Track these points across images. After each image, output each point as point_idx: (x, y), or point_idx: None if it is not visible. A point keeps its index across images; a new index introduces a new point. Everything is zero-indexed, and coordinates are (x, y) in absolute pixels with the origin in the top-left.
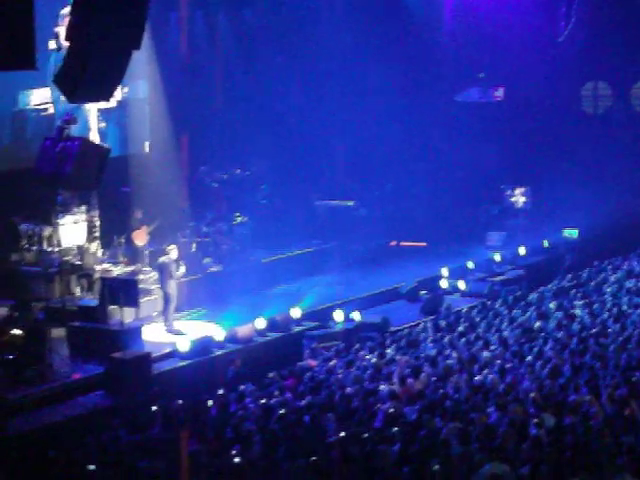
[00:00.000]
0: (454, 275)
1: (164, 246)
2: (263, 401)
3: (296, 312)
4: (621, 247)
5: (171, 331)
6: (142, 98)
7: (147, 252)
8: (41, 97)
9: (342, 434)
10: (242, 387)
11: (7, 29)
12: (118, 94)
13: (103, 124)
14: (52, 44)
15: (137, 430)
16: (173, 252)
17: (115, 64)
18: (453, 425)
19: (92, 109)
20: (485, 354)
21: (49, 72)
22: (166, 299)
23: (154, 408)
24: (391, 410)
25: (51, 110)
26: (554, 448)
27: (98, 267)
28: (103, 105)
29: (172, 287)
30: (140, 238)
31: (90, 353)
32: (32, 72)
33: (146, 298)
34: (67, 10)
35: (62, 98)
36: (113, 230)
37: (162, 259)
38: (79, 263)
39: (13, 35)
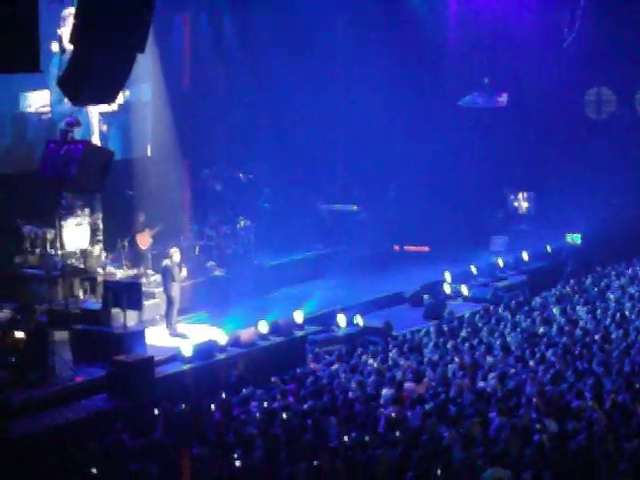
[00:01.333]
0: (457, 280)
1: (167, 249)
2: (265, 405)
3: (299, 316)
4: (624, 253)
5: (174, 334)
6: (145, 101)
7: (150, 255)
8: (42, 99)
9: (345, 438)
10: (246, 391)
11: (11, 31)
12: (120, 97)
13: (105, 127)
14: (55, 46)
15: (140, 434)
16: (175, 255)
17: (119, 67)
18: (455, 430)
19: (94, 112)
20: (488, 359)
21: (50, 75)
22: (169, 302)
23: (156, 412)
24: (393, 415)
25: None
26: (557, 454)
27: (101, 270)
28: (105, 108)
29: (175, 290)
30: (143, 241)
31: (93, 356)
32: (33, 74)
33: (149, 301)
34: (69, 11)
35: (65, 101)
36: (116, 233)
37: (165, 262)
38: (82, 266)
39: (17, 37)
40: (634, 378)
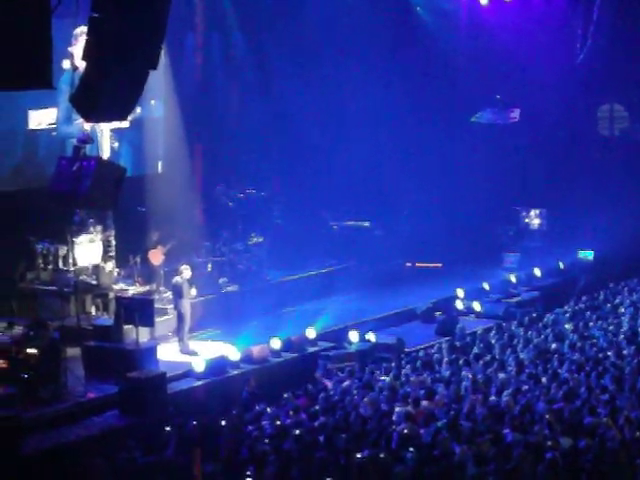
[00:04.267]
0: (469, 296)
1: (178, 266)
2: (278, 422)
3: (311, 333)
4: (637, 269)
5: (186, 351)
6: (156, 118)
7: (162, 272)
8: (51, 117)
9: (358, 455)
10: (258, 407)
11: (24, 48)
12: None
13: (116, 144)
14: (66, 63)
15: (152, 451)
16: (186, 272)
17: (132, 84)
18: (468, 447)
19: (105, 129)
20: (500, 376)
21: (59, 92)
22: (180, 319)
23: (168, 429)
24: (406, 431)
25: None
26: (570, 471)
27: (114, 286)
28: (116, 125)
29: (185, 307)
30: (156, 258)
31: (105, 373)
32: (43, 91)
33: (161, 318)
34: (81, 30)
35: (74, 118)
36: (129, 250)
37: (175, 279)
38: (95, 282)
39: (30, 54)
40: None
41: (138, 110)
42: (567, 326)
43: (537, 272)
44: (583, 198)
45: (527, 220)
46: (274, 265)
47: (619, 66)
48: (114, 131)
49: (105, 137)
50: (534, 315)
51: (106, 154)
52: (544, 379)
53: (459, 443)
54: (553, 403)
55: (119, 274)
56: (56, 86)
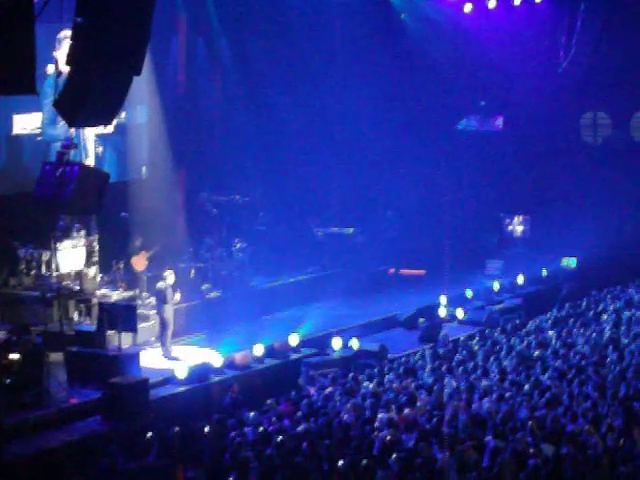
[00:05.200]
0: (453, 303)
1: (162, 271)
2: (260, 428)
3: (294, 339)
4: (620, 276)
5: (169, 357)
6: (140, 123)
7: (146, 277)
8: (35, 121)
9: (340, 462)
10: (241, 413)
11: (8, 53)
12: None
13: (100, 149)
14: (50, 68)
15: (134, 457)
16: (170, 277)
17: (116, 89)
18: (450, 454)
19: (89, 134)
20: (483, 383)
21: (44, 95)
22: (162, 324)
23: (150, 434)
24: (388, 438)
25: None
26: (552, 478)
27: (97, 292)
28: (100, 130)
29: (168, 312)
30: (139, 263)
31: (88, 378)
32: (27, 96)
33: (144, 324)
34: (64, 34)
35: (59, 123)
36: (112, 255)
37: (159, 284)
38: (77, 288)
39: (13, 59)
40: (629, 402)
41: (122, 115)
42: (550, 333)
43: (520, 279)
44: (566, 205)
45: (510, 227)
46: (257, 271)
47: (602, 74)
48: (98, 136)
49: (89, 142)
50: (517, 322)
51: (90, 159)
52: (527, 386)
53: (441, 450)
54: (535, 410)
55: (102, 280)
56: (41, 90)
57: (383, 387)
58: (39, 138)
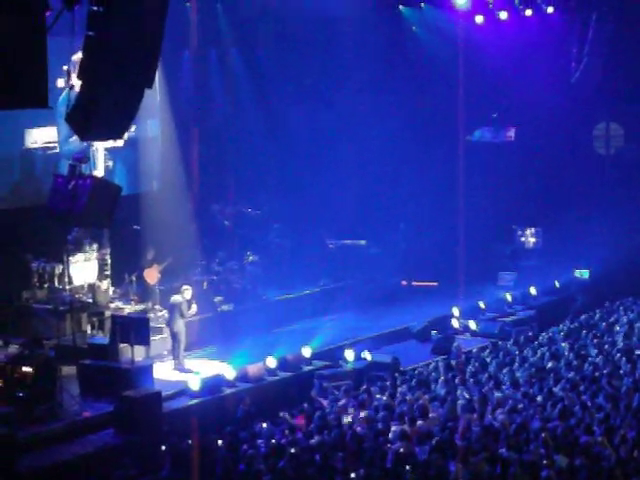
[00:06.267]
0: (465, 315)
1: (178, 285)
2: (273, 441)
3: (307, 351)
4: (632, 288)
5: (182, 370)
6: (152, 136)
7: (158, 290)
8: (48, 135)
9: (353, 475)
10: (254, 426)
11: (19, 66)
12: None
13: (110, 163)
14: (61, 82)
15: (147, 469)
16: (187, 292)
17: (128, 103)
18: (463, 465)
19: (100, 148)
20: (496, 394)
21: (59, 112)
22: (174, 338)
23: (163, 448)
24: (401, 450)
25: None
26: None
27: (109, 305)
28: (110, 144)
29: (180, 326)
30: (151, 276)
31: (100, 391)
32: (39, 110)
33: (157, 336)
34: (78, 57)
35: (73, 138)
36: (124, 268)
37: (175, 298)
38: (90, 301)
39: (25, 73)
40: None
41: (132, 129)
42: (563, 344)
43: (533, 291)
44: (579, 217)
45: (523, 239)
46: (270, 284)
47: (615, 84)
48: (108, 150)
49: (99, 156)
50: (530, 334)
51: (100, 173)
52: (539, 398)
53: (454, 462)
54: (548, 422)
55: (115, 293)
56: (54, 104)
57: (396, 399)
58: (51, 152)
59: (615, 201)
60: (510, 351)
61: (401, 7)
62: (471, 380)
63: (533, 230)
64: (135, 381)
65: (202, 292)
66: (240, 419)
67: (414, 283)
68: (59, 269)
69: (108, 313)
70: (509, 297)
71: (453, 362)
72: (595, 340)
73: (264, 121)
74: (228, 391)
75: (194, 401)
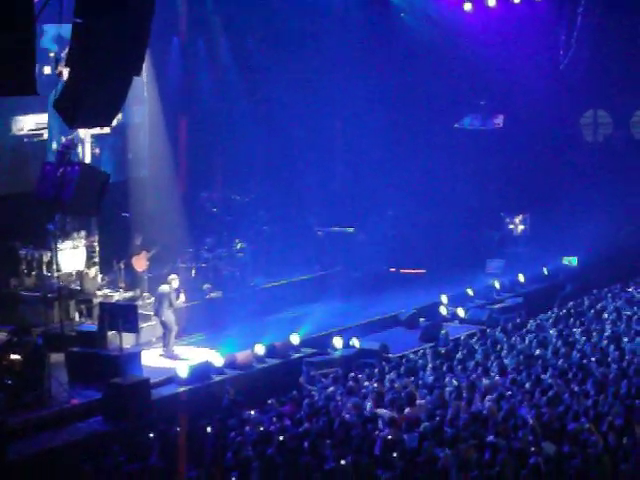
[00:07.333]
0: (453, 302)
1: (166, 272)
2: (262, 428)
3: (295, 339)
4: (620, 275)
5: (170, 357)
6: (139, 123)
7: (147, 278)
8: (36, 122)
9: (342, 461)
10: (242, 413)
11: (8, 54)
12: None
13: (97, 150)
14: (48, 70)
15: (135, 456)
16: (174, 281)
17: (116, 90)
18: (451, 452)
19: (86, 135)
20: (484, 381)
21: (49, 98)
22: (165, 327)
23: (152, 435)
24: (390, 437)
25: (46, 135)
26: (553, 476)
27: (97, 292)
28: (97, 131)
29: (169, 316)
30: (140, 264)
31: (89, 378)
32: (28, 97)
33: (145, 324)
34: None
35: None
36: (112, 255)
37: (162, 287)
38: (78, 288)
39: (14, 60)
40: (630, 400)
41: (120, 116)
42: (551, 332)
43: (521, 278)
44: (567, 204)
45: (511, 226)
46: (258, 271)
47: (603, 72)
48: (95, 137)
49: (86, 143)
50: (518, 321)
51: (87, 160)
52: (527, 385)
53: (443, 449)
54: (536, 409)
55: (103, 280)
56: (42, 91)
57: (384, 386)
58: (39, 139)
59: (603, 188)
60: (498, 338)
61: None
62: (459, 367)
63: (521, 217)
64: (123, 368)
65: (190, 279)
66: (225, 408)
67: (402, 271)
68: (47, 256)
69: (96, 300)
70: (497, 284)
71: (441, 349)
72: (583, 327)
73: (252, 108)
74: (217, 378)
75: (182, 388)
